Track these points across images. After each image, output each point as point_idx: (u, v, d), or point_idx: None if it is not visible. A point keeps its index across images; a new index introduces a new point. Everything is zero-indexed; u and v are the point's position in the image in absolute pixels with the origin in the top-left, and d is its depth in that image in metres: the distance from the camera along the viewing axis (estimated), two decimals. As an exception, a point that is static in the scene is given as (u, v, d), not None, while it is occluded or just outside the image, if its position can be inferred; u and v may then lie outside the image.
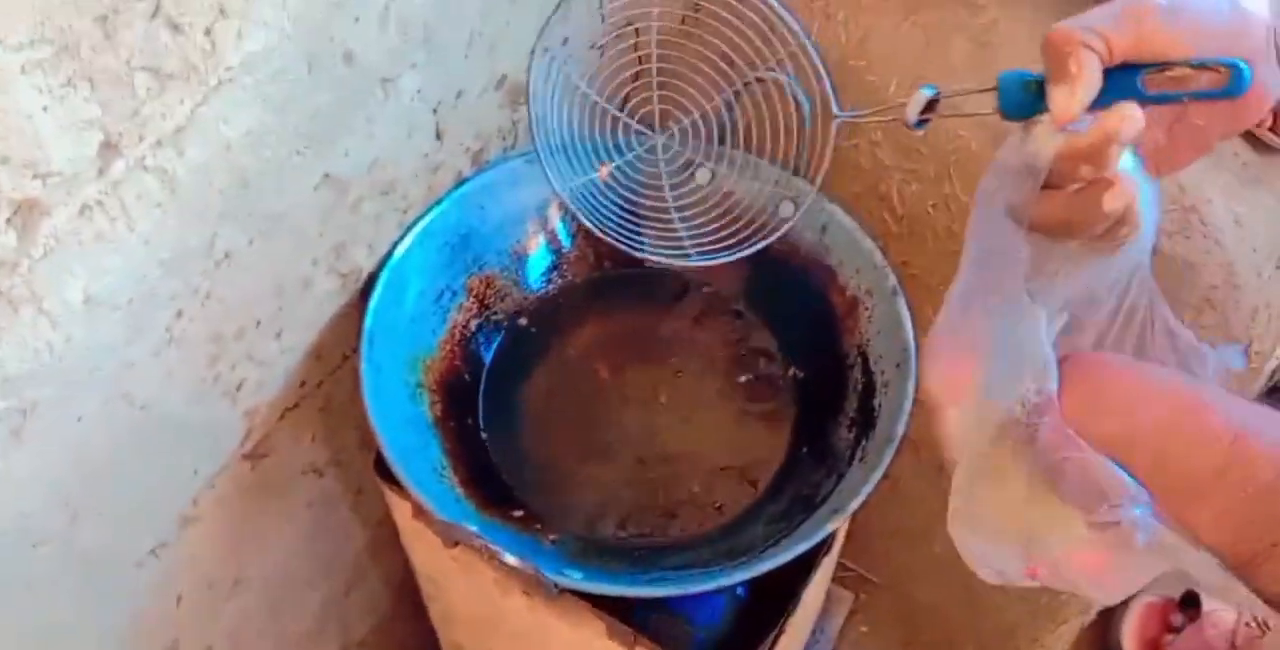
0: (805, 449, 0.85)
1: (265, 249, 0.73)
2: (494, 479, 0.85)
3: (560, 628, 0.84)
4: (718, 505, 0.84)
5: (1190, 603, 1.37)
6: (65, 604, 0.73)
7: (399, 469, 0.75)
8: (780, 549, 0.74)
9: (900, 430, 0.76)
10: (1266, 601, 0.46)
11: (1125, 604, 1.35)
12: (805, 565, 0.82)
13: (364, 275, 0.85)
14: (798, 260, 0.91)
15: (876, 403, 0.81)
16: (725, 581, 0.71)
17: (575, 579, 0.71)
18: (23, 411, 0.61)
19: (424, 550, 0.93)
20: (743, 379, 0.90)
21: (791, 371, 0.90)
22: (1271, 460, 0.45)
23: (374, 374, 0.80)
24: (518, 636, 0.94)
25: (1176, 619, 1.37)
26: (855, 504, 0.73)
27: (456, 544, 0.70)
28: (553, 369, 0.91)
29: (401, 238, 0.85)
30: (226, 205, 0.67)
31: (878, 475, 0.74)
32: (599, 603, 0.78)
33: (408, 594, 1.17)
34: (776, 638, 0.81)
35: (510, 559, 0.68)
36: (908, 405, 0.77)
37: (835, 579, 1.23)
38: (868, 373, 0.83)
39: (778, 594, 0.86)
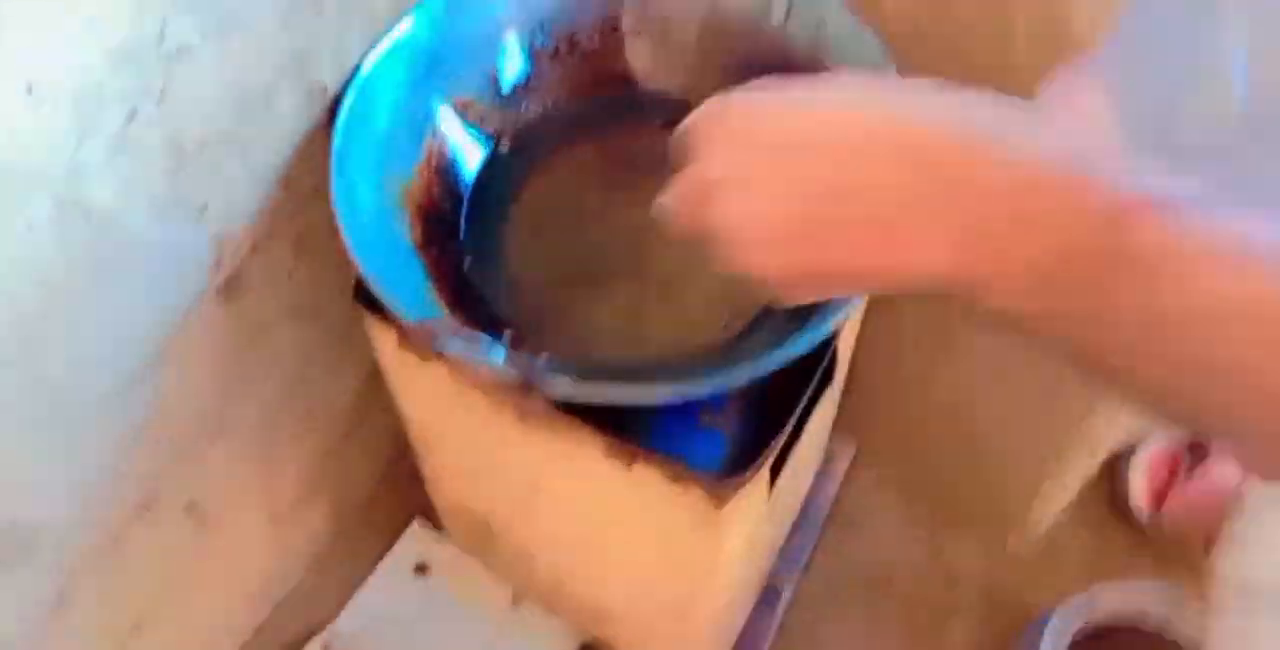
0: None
1: (221, 47, 0.68)
2: (480, 305, 0.80)
3: (556, 455, 0.81)
4: (718, 325, 0.80)
5: (1198, 449, 1.36)
6: (32, 444, 0.69)
7: (379, 286, 0.70)
8: (785, 348, 0.70)
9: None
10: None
11: (1131, 451, 1.34)
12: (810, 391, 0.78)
13: (330, 94, 0.80)
14: (793, 68, 0.86)
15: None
16: (727, 380, 0.67)
17: (564, 385, 0.67)
18: (-35, 210, 0.56)
19: (413, 390, 0.89)
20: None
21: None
22: None
23: (347, 192, 0.74)
24: (515, 474, 0.91)
25: (1186, 460, 1.35)
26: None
27: (440, 355, 0.66)
28: (537, 195, 0.86)
29: (368, 52, 0.79)
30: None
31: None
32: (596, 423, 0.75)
33: (400, 454, 1.14)
34: (785, 451, 0.78)
35: (495, 359, 0.63)
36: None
37: (835, 426, 1.20)
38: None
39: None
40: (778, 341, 0.72)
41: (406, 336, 0.77)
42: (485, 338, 0.62)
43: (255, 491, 0.96)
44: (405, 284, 0.76)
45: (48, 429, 0.70)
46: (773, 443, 0.74)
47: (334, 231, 0.81)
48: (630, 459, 0.74)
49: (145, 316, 0.74)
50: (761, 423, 0.95)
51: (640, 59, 0.89)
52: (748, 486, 0.74)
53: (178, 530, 0.90)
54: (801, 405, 0.76)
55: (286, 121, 0.77)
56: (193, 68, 0.66)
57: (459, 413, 0.85)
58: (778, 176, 0.41)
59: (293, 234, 0.84)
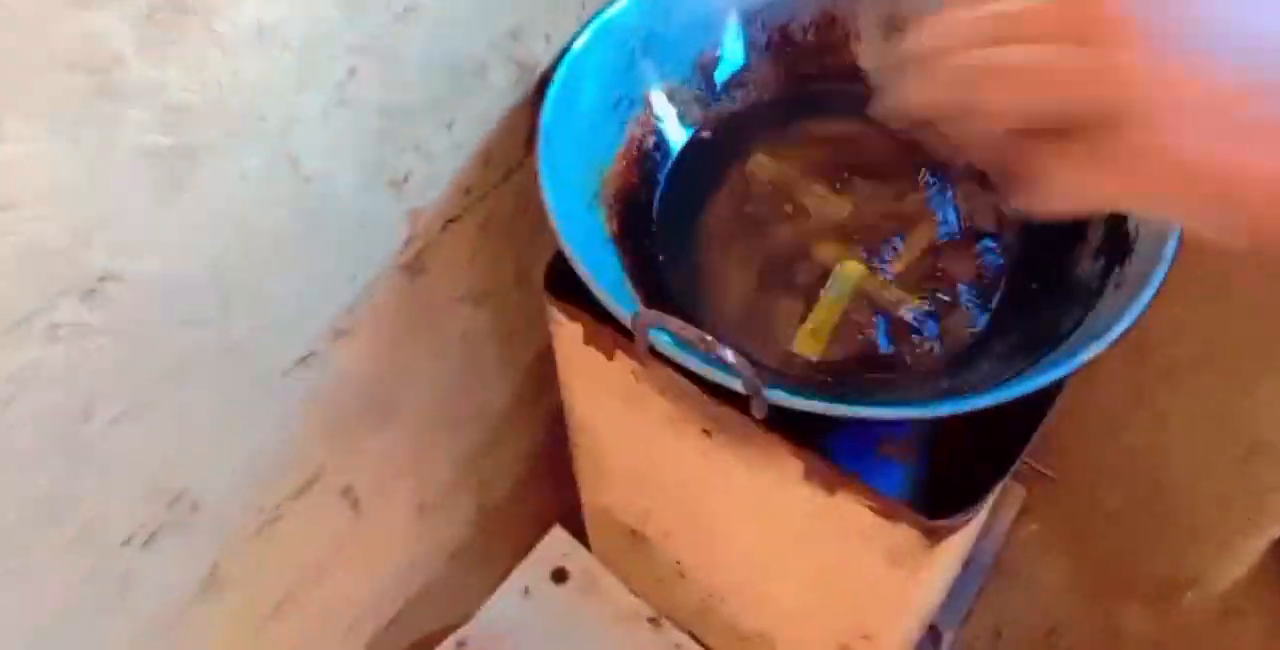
0: (1034, 284, 0.75)
1: (445, 13, 0.64)
2: (671, 305, 0.76)
3: (740, 472, 0.76)
4: (927, 343, 0.74)
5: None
6: (212, 412, 0.66)
7: (587, 272, 0.66)
8: (1019, 380, 0.63)
9: (1170, 252, 0.65)
10: None
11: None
12: (1026, 423, 0.71)
13: (540, 70, 0.76)
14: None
15: (1132, 227, 0.70)
16: (959, 406, 0.61)
17: (782, 396, 0.62)
18: (187, 156, 0.53)
19: (585, 385, 0.84)
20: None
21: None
22: None
23: (552, 173, 0.71)
24: (685, 488, 0.86)
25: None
26: (1119, 329, 0.63)
27: (630, 354, 0.61)
28: (737, 192, 0.81)
29: (580, 31, 0.76)
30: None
31: (1146, 296, 0.63)
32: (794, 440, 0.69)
33: (551, 456, 1.10)
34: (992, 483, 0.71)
35: (729, 354, 0.58)
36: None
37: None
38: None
39: (965, 479, 0.76)
40: (1016, 368, 0.66)
41: (594, 332, 0.72)
42: (716, 342, 0.57)
43: (409, 480, 0.93)
44: (604, 275, 0.71)
45: (230, 397, 0.67)
46: (997, 482, 0.67)
47: (518, 215, 0.78)
48: (834, 485, 0.68)
49: (331, 286, 0.71)
50: (949, 456, 0.88)
51: (869, 61, 0.84)
52: (965, 527, 0.68)
53: (332, 513, 0.87)
54: (1029, 443, 0.69)
55: (495, 96, 0.74)
56: (417, 30, 0.63)
57: (636, 416, 0.80)
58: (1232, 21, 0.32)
59: (481, 214, 0.80)
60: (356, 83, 0.61)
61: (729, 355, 0.57)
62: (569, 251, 0.66)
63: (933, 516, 0.68)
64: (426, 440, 0.91)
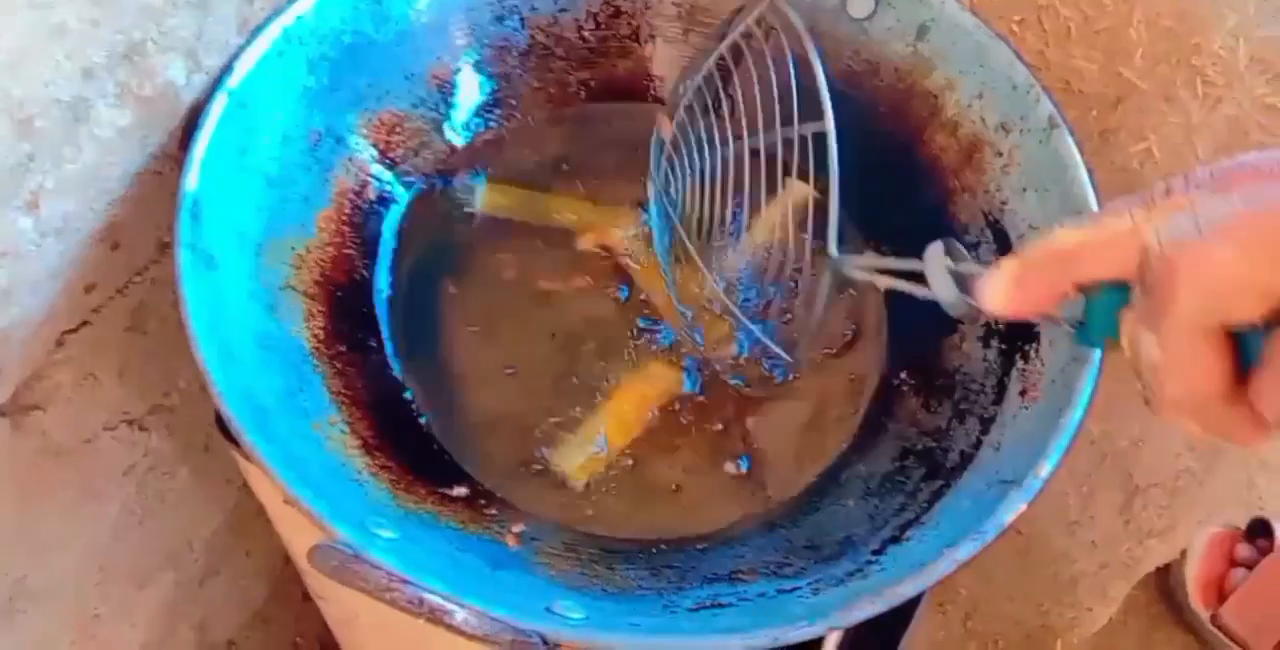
0: (904, 375, 0.55)
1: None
2: (415, 437, 0.53)
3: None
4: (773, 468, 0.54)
5: (1259, 531, 1.14)
6: None
7: (248, 434, 0.42)
8: (915, 548, 0.44)
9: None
10: None
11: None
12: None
13: (184, 104, 0.51)
14: (877, 85, 0.59)
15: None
16: (839, 620, 0.41)
17: (575, 624, 0.40)
18: None
19: (307, 541, 0.60)
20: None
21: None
22: None
23: (202, 269, 0.46)
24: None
25: (1242, 550, 1.13)
26: (1043, 471, 0.44)
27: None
28: (499, 262, 0.58)
29: (247, 44, 0.51)
30: None
31: (1072, 420, 0.44)
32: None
33: (291, 575, 0.86)
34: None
35: (463, 616, 0.36)
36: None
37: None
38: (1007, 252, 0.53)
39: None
40: (904, 512, 0.46)
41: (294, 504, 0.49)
42: (431, 606, 0.35)
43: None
44: (296, 416, 0.48)
45: None
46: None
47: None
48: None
49: None
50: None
51: (671, 68, 0.62)
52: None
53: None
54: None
55: (109, 149, 0.48)
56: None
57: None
58: None
59: (122, 314, 0.55)
60: None
61: (461, 616, 0.35)
62: (226, 409, 0.43)
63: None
64: (93, 609, 0.66)
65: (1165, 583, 1.11)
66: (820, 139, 0.48)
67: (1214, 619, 1.10)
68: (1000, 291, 0.32)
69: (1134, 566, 0.99)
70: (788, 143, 0.49)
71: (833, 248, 0.47)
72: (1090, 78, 0.78)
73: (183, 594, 0.74)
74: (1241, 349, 0.28)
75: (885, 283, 0.42)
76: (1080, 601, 1.03)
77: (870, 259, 0.47)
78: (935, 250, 0.38)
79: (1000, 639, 1.05)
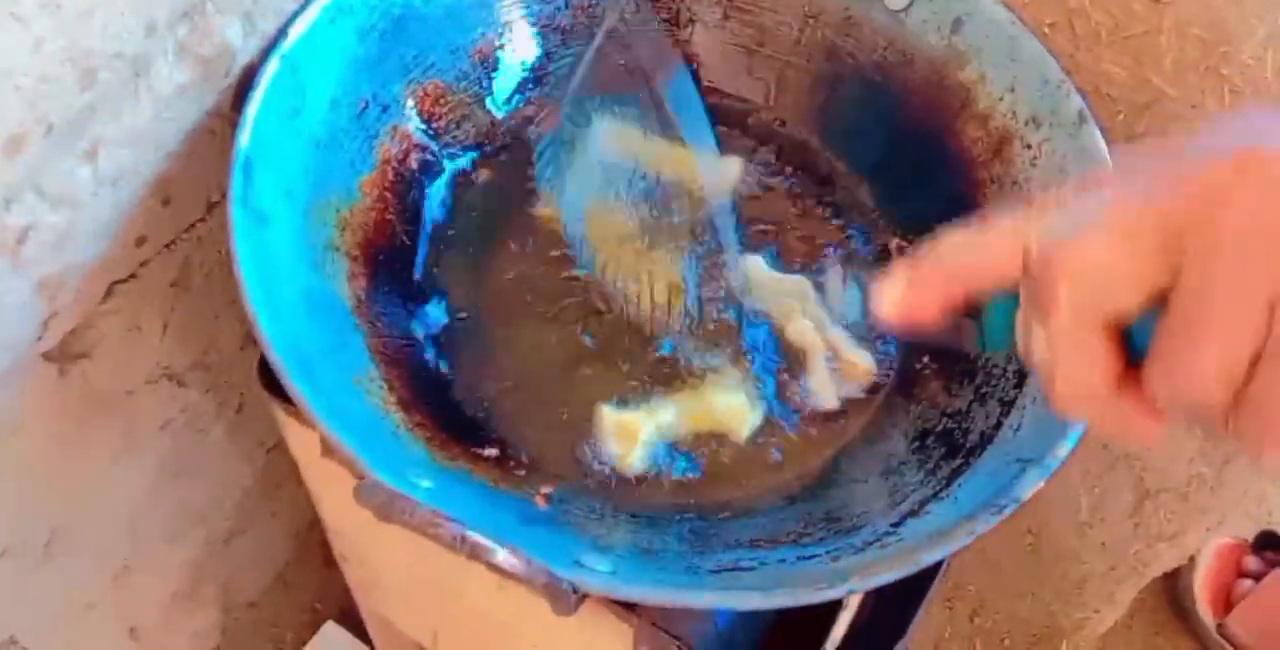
0: (926, 359, 0.56)
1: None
2: (449, 399, 0.54)
3: (553, 621, 0.55)
4: (794, 440, 0.55)
5: (1267, 543, 1.15)
6: None
7: (295, 382, 0.44)
8: (935, 522, 0.45)
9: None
10: None
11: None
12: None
13: (239, 65, 0.53)
14: (910, 76, 0.60)
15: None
16: (858, 584, 0.42)
17: (602, 576, 0.42)
18: None
19: (338, 499, 0.62)
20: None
21: (895, 243, 0.61)
22: None
23: (253, 226, 0.48)
24: (478, 618, 0.65)
25: (1250, 562, 1.14)
26: (1061, 452, 0.45)
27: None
28: (537, 229, 0.60)
29: (301, 10, 0.52)
30: None
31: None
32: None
33: (315, 540, 0.87)
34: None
35: (504, 557, 0.38)
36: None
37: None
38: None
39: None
40: (926, 487, 0.48)
41: (333, 451, 0.50)
42: (461, 535, 0.36)
43: (104, 609, 0.69)
44: (338, 370, 0.49)
45: None
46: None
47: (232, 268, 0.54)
48: (669, 659, 0.49)
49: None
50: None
51: (710, 53, 0.63)
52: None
53: (-12, 673, 0.63)
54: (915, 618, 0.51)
55: (167, 105, 0.50)
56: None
57: (406, 538, 0.59)
58: None
59: (170, 269, 0.57)
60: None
61: (502, 556, 0.37)
62: (275, 358, 0.44)
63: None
64: (123, 560, 0.67)
65: (1173, 590, 1.12)
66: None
67: (1220, 628, 1.11)
68: (891, 298, 0.33)
69: (1142, 570, 1.00)
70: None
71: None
72: (1119, 82, 0.79)
73: (210, 551, 0.76)
74: (1133, 342, 0.29)
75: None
76: (1088, 603, 1.03)
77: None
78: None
79: (1007, 637, 1.06)
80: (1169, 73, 0.76)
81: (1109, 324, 0.29)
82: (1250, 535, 1.14)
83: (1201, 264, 0.26)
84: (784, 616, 0.69)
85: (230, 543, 0.79)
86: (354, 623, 0.91)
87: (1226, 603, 1.13)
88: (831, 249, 0.60)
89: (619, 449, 0.54)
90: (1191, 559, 1.09)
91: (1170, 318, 0.27)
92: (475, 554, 0.38)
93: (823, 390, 0.55)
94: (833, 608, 0.66)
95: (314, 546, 0.89)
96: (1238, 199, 0.26)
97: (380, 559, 0.68)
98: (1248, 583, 1.12)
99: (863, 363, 0.56)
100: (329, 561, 0.85)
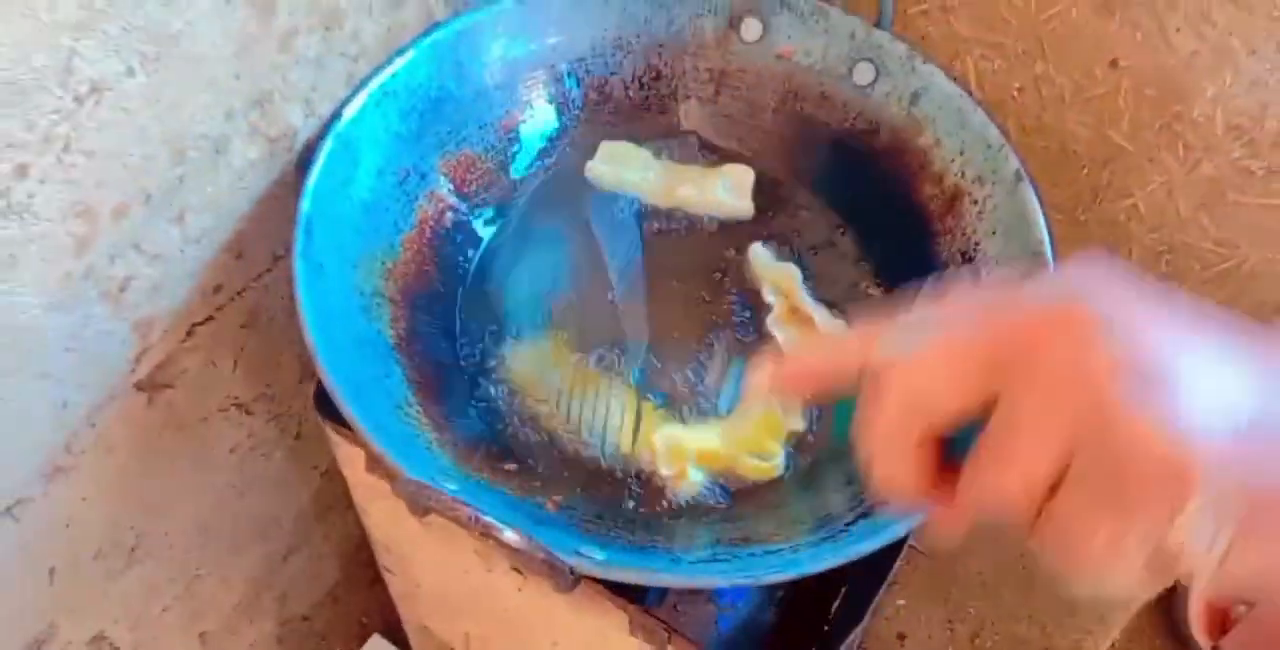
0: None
1: (154, 85, 0.51)
2: (477, 422, 0.64)
3: (563, 614, 0.64)
4: (772, 457, 0.63)
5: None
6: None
7: (347, 405, 0.53)
8: (881, 519, 0.53)
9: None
10: None
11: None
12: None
13: (301, 142, 0.63)
14: (876, 141, 0.70)
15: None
16: (811, 566, 0.50)
17: (596, 562, 0.50)
18: None
19: (381, 513, 0.71)
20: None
21: (865, 287, 0.69)
22: None
23: (313, 276, 0.58)
24: (504, 621, 0.73)
25: (1249, 590, 1.19)
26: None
27: (428, 511, 0.49)
28: (553, 278, 0.69)
29: (352, 96, 0.63)
30: (86, 11, 0.45)
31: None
32: (615, 586, 0.58)
33: (362, 560, 0.96)
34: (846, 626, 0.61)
35: (510, 536, 0.47)
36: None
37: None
38: (977, 285, 0.62)
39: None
40: (862, 514, 0.56)
41: (378, 463, 0.59)
42: (491, 523, 0.45)
43: (179, 613, 0.79)
44: (381, 396, 0.59)
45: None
46: (845, 638, 0.57)
47: (294, 307, 0.64)
48: (663, 640, 0.57)
49: (39, 422, 0.57)
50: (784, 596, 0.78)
51: (696, 122, 0.73)
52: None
53: (81, 666, 0.72)
54: (880, 592, 0.59)
55: (241, 177, 0.60)
56: (111, 112, 0.49)
57: (442, 546, 0.68)
58: (1217, 363, 0.30)
59: (241, 313, 0.67)
60: (30, 184, 0.47)
61: (510, 536, 0.45)
62: (329, 383, 0.54)
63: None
64: (194, 568, 0.77)
65: (1169, 612, 1.18)
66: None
67: (1216, 650, 1.16)
68: (757, 387, 0.38)
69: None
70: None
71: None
72: (1082, 140, 0.87)
73: (269, 566, 0.85)
74: (958, 448, 0.33)
75: None
76: (1081, 625, 1.09)
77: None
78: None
79: (1005, 655, 1.12)
80: (1127, 131, 0.84)
81: (925, 435, 0.33)
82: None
83: (1015, 399, 0.30)
84: (783, 620, 0.78)
85: (288, 559, 0.88)
86: (398, 637, 1.00)
87: (1223, 626, 1.18)
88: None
89: (669, 470, 0.62)
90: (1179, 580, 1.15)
91: (985, 437, 0.31)
92: (487, 531, 0.47)
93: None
94: (823, 609, 0.74)
95: (362, 567, 0.98)
96: (1053, 350, 0.29)
97: (420, 570, 0.77)
98: (1243, 607, 1.18)
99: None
100: (375, 580, 0.94)
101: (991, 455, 0.31)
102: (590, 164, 0.71)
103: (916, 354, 0.32)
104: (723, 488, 0.62)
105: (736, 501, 0.62)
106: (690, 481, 0.61)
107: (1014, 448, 0.30)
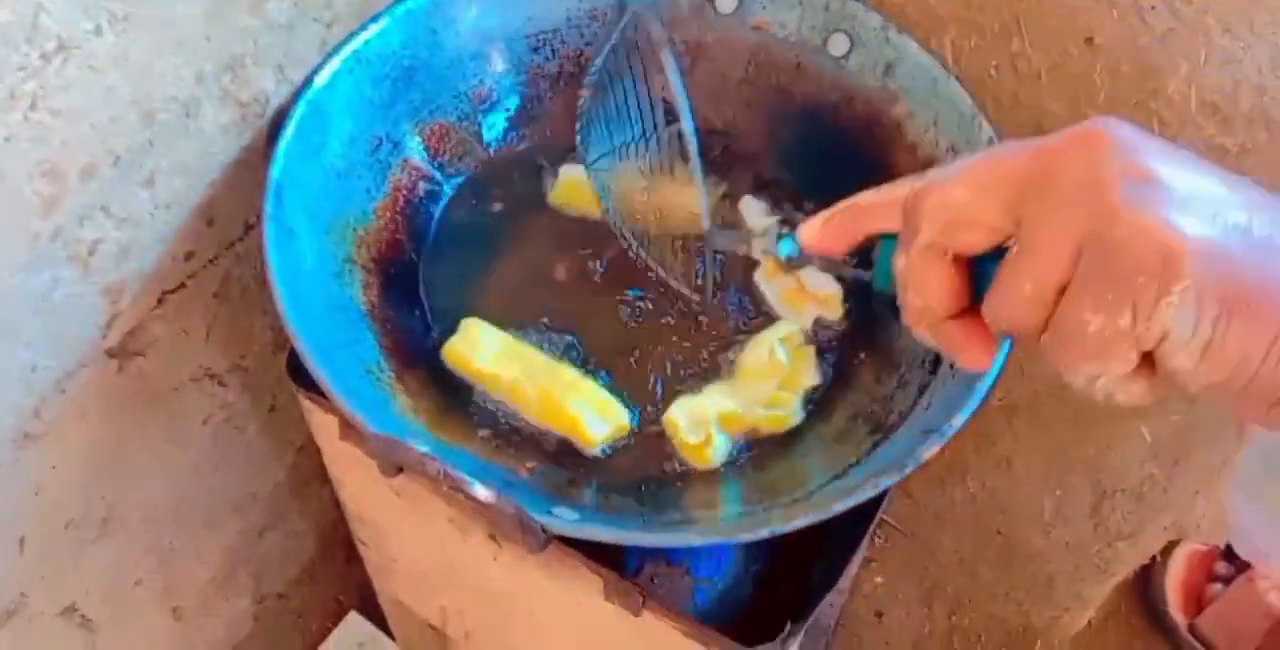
0: (862, 355, 0.65)
1: (122, 44, 0.51)
2: (449, 388, 0.63)
3: (539, 581, 0.64)
4: (787, 406, 0.63)
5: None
6: None
7: (319, 369, 0.53)
8: (852, 482, 0.53)
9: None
10: None
11: (1167, 551, 1.18)
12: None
13: (272, 108, 0.63)
14: (851, 112, 0.70)
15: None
16: (779, 527, 0.50)
17: (569, 521, 0.50)
18: None
19: (355, 482, 0.71)
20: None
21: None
22: None
23: (284, 239, 0.58)
24: (480, 592, 0.73)
25: (1221, 567, 1.20)
26: (956, 422, 0.53)
27: (400, 470, 0.49)
28: (526, 248, 0.69)
29: (324, 62, 0.62)
30: (51, -39, 0.45)
31: (984, 386, 0.54)
32: (589, 552, 0.58)
33: (338, 538, 0.96)
34: (818, 597, 0.61)
35: (480, 491, 0.47)
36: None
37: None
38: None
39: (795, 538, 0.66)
40: (844, 461, 0.56)
41: (350, 428, 0.59)
42: (462, 478, 0.45)
43: (152, 586, 0.78)
44: (353, 361, 0.59)
45: None
46: (819, 604, 0.57)
47: (266, 281, 0.64)
48: (637, 604, 0.57)
49: (7, 383, 0.56)
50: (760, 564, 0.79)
51: (674, 93, 0.73)
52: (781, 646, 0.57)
53: (56, 638, 0.72)
54: (854, 560, 0.59)
55: (213, 141, 0.60)
56: (79, 70, 0.49)
57: (416, 514, 0.68)
58: (1212, 183, 0.33)
59: (212, 281, 0.66)
60: (-7, 141, 0.47)
61: (480, 491, 0.45)
62: (297, 338, 0.53)
63: (749, 632, 0.58)
64: (168, 542, 0.77)
65: (1146, 592, 1.18)
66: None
67: (1191, 628, 1.17)
68: (812, 229, 0.42)
69: (1105, 568, 1.06)
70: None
71: (705, 222, 0.57)
72: (1059, 117, 0.87)
73: (244, 542, 0.85)
74: (982, 276, 0.36)
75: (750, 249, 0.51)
76: (1057, 602, 1.10)
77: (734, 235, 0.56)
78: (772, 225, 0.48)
79: (983, 635, 1.13)
80: (1103, 107, 0.84)
81: (957, 255, 0.36)
82: (1204, 535, 1.21)
83: (1033, 214, 0.33)
84: (759, 593, 0.78)
85: (263, 536, 0.88)
86: (374, 614, 1.00)
87: (1198, 605, 1.19)
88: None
89: (693, 438, 0.61)
90: (1155, 560, 1.16)
91: (1007, 258, 0.34)
92: (455, 486, 0.47)
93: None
94: (803, 585, 0.75)
95: (338, 545, 0.98)
96: (1070, 163, 0.33)
97: (396, 542, 0.77)
98: (1218, 586, 1.19)
99: (827, 289, 0.65)
100: (351, 558, 0.94)
101: (1010, 270, 0.34)
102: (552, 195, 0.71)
103: (947, 181, 0.35)
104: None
105: (702, 477, 0.62)
106: (716, 446, 0.61)
107: (1029, 259, 0.33)
